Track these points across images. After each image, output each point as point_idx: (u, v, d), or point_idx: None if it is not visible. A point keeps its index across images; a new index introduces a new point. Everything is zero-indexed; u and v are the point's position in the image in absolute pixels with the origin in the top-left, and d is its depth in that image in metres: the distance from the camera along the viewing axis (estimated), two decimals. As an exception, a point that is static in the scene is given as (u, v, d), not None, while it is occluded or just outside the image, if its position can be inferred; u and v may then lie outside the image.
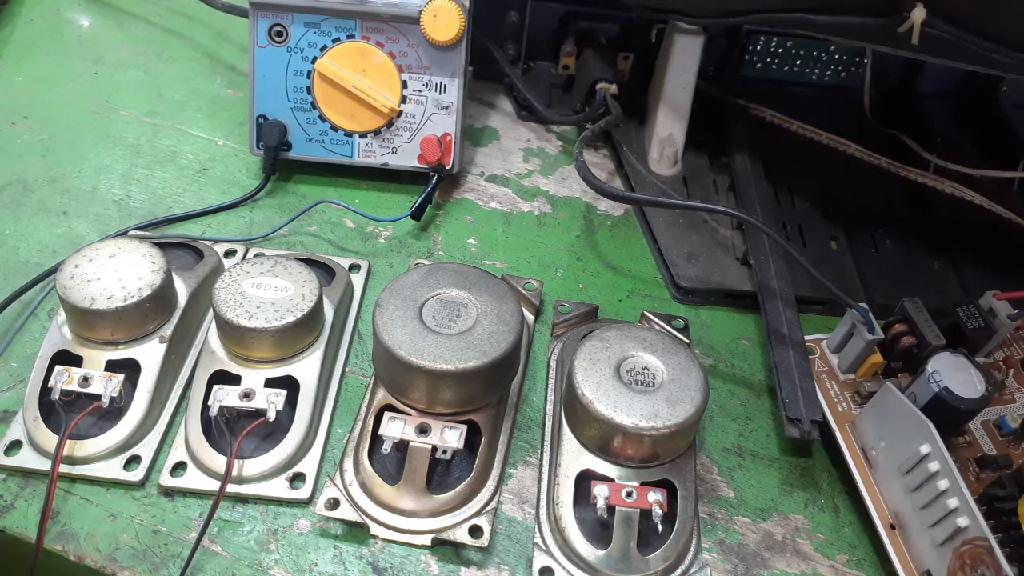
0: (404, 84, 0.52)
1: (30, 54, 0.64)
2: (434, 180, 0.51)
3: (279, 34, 0.52)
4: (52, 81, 0.62)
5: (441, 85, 0.52)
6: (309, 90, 0.52)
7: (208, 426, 0.41)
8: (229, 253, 0.51)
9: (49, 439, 0.40)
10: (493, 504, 0.41)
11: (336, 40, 0.52)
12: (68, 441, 0.40)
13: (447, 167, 0.51)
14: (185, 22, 0.68)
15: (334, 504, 0.39)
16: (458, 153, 0.53)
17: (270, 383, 0.42)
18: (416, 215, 0.49)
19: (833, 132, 0.60)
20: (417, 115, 0.53)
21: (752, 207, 0.53)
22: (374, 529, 0.40)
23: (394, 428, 0.40)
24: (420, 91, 0.52)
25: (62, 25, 0.67)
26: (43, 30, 0.66)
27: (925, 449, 0.38)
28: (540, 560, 0.39)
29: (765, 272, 0.50)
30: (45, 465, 0.40)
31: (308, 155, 0.53)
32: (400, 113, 0.52)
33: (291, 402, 0.42)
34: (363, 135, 0.53)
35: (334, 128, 0.52)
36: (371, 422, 0.42)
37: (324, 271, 0.49)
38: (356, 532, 0.40)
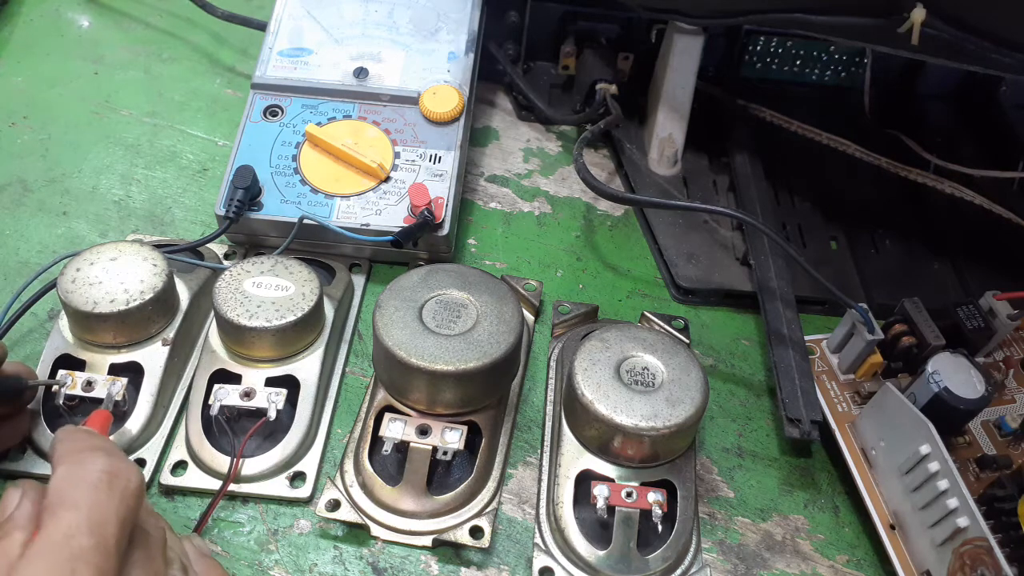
0: (397, 155, 0.51)
1: (30, 54, 0.64)
2: (426, 218, 0.48)
3: (274, 113, 0.52)
4: (52, 81, 0.62)
5: (436, 156, 0.51)
6: (294, 157, 0.50)
7: (209, 425, 0.41)
8: (229, 255, 0.51)
9: (53, 444, 0.40)
10: (494, 505, 0.41)
11: (332, 119, 0.52)
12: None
13: (437, 221, 0.48)
14: (184, 23, 0.68)
15: (335, 505, 0.39)
16: (451, 218, 0.49)
17: (270, 382, 0.42)
18: (397, 243, 0.47)
19: (833, 132, 0.60)
20: (408, 181, 0.50)
21: (752, 207, 0.54)
22: (375, 530, 0.40)
23: (394, 429, 0.40)
24: (413, 160, 0.51)
25: (62, 25, 0.67)
26: (43, 30, 0.66)
27: (925, 449, 0.38)
28: (540, 560, 0.39)
29: (765, 272, 0.50)
30: (48, 471, 0.40)
31: (280, 215, 0.48)
32: (388, 178, 0.50)
33: (291, 401, 0.42)
34: (346, 197, 0.49)
35: (314, 191, 0.49)
36: (371, 423, 0.42)
37: (325, 270, 0.49)
38: (356, 533, 0.40)
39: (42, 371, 0.42)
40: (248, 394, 0.41)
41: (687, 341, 0.48)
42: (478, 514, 0.40)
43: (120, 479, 0.29)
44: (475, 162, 0.59)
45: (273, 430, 0.42)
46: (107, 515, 0.28)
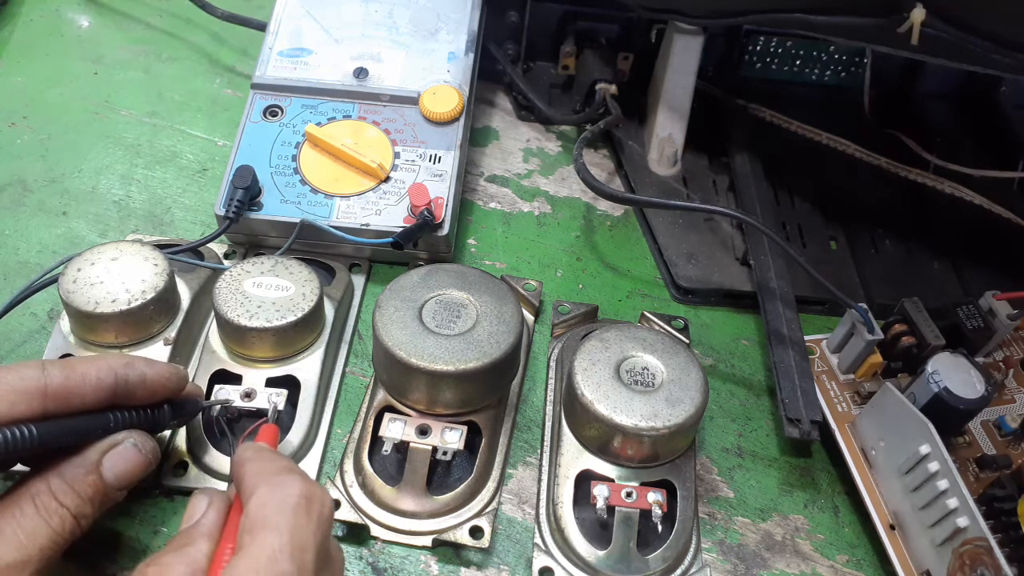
0: (397, 155, 0.51)
1: (30, 54, 0.64)
2: (426, 218, 0.47)
3: (274, 113, 0.52)
4: (52, 81, 0.62)
5: (436, 156, 0.51)
6: (294, 157, 0.50)
7: (209, 426, 0.41)
8: (229, 255, 0.51)
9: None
10: (493, 505, 0.41)
11: (332, 119, 0.52)
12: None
13: (437, 221, 0.48)
14: (184, 23, 0.68)
15: (335, 505, 0.39)
16: (451, 218, 0.49)
17: (271, 383, 0.42)
18: (397, 244, 0.47)
19: (833, 132, 0.60)
20: (407, 181, 0.50)
21: (752, 207, 0.54)
22: (374, 530, 0.40)
23: (394, 429, 0.40)
24: (413, 160, 0.51)
25: (62, 25, 0.67)
26: (43, 30, 0.66)
27: (925, 449, 0.38)
28: (540, 560, 0.39)
29: (765, 272, 0.50)
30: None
31: (280, 215, 0.48)
32: (388, 178, 0.50)
33: (292, 402, 0.42)
34: (345, 197, 0.49)
35: (314, 191, 0.49)
36: (371, 423, 0.42)
37: (325, 270, 0.49)
38: (356, 533, 0.40)
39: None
40: (249, 395, 0.41)
41: (687, 341, 0.48)
42: (478, 514, 0.40)
43: (316, 504, 0.29)
44: (475, 162, 0.59)
45: (273, 430, 0.42)
46: (307, 540, 0.28)
